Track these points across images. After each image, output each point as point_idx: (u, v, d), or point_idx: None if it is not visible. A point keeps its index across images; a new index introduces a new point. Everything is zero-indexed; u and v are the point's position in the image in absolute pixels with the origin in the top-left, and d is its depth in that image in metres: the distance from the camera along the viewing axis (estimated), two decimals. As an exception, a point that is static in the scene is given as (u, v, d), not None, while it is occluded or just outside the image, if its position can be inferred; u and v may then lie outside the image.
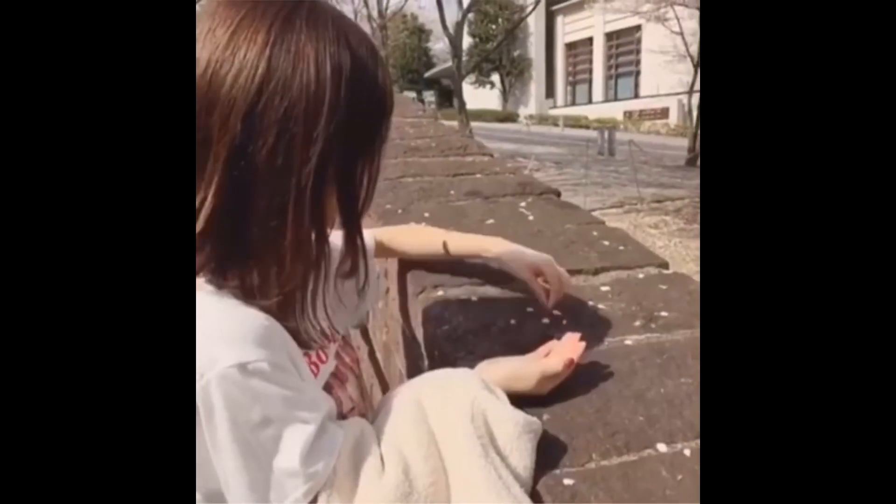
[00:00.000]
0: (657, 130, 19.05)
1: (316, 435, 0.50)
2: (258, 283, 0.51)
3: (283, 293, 0.52)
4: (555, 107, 24.88)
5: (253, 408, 0.48)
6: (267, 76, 0.48)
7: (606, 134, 13.87)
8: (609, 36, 22.81)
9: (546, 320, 0.81)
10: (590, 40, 23.72)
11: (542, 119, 22.12)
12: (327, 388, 0.60)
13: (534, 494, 0.54)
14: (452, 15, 12.92)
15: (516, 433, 0.55)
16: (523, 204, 1.28)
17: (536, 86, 25.27)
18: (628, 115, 21.01)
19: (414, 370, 0.89)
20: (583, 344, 0.66)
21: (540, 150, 12.57)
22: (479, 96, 24.40)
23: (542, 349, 0.67)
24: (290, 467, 0.49)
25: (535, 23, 23.38)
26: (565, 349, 0.65)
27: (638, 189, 9.01)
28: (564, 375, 0.65)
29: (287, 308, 0.53)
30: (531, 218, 1.20)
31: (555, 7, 23.93)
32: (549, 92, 25.63)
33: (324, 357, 0.61)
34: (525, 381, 0.63)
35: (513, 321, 0.80)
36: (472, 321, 0.80)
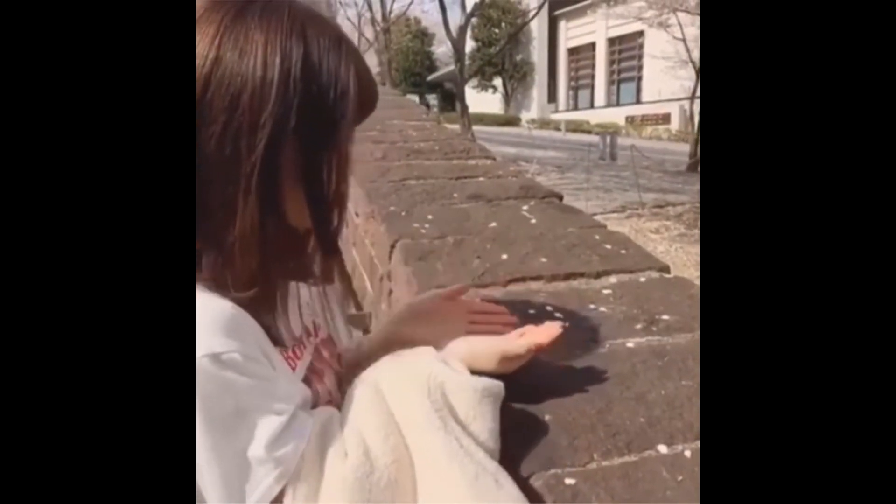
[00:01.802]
0: (659, 136, 19.07)
1: (286, 424, 0.50)
2: (230, 276, 0.52)
3: (254, 287, 0.52)
4: (557, 111, 24.91)
5: (225, 398, 0.48)
6: (215, 65, 0.50)
7: (608, 139, 13.88)
8: (611, 41, 22.85)
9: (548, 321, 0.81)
10: (592, 45, 23.77)
11: (544, 123, 22.16)
12: (306, 381, 0.60)
13: (533, 494, 0.55)
14: (456, 19, 12.96)
15: (476, 399, 0.56)
16: (526, 207, 1.29)
17: (538, 90, 25.31)
18: (630, 120, 21.04)
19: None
20: (556, 331, 0.64)
21: (541, 155, 12.60)
22: (481, 100, 24.43)
23: (518, 330, 0.66)
24: (259, 455, 0.49)
25: (537, 27, 23.42)
26: (537, 333, 0.64)
27: (639, 194, 9.02)
28: (527, 358, 0.64)
29: (260, 303, 0.54)
30: (533, 221, 1.21)
31: (558, 12, 23.98)
32: (552, 96, 25.67)
33: (299, 353, 0.61)
34: (485, 360, 0.62)
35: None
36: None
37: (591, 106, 24.02)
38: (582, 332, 0.79)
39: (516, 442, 0.60)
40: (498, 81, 25.54)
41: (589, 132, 18.58)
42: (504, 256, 1.01)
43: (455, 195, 1.37)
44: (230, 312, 0.51)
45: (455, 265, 0.98)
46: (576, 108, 25.01)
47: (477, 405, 0.56)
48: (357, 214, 1.47)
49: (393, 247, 1.09)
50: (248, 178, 0.50)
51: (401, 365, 0.60)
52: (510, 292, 0.91)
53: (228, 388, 0.48)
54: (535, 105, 25.26)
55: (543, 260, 1.00)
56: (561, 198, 1.37)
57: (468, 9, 12.33)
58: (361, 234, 1.40)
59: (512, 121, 23.52)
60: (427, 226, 1.16)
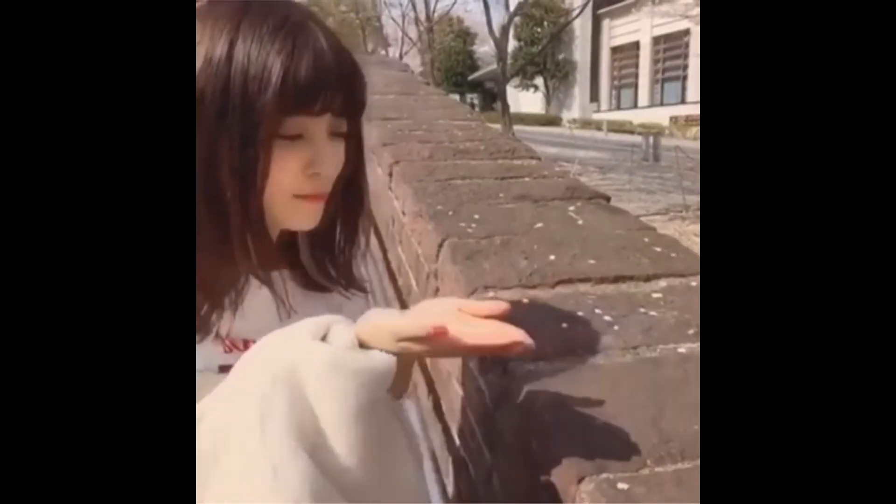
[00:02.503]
0: (704, 136, 18.55)
1: None
2: None
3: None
4: (599, 111, 24.57)
5: None
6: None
7: (651, 139, 13.61)
8: (656, 40, 22.39)
9: (597, 326, 0.81)
10: (636, 44, 23.35)
11: (586, 123, 21.88)
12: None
13: (585, 497, 0.55)
14: (499, 18, 12.91)
15: (322, 372, 0.47)
16: (572, 208, 1.28)
17: (580, 89, 25.00)
18: (674, 120, 20.58)
19: (466, 370, 0.90)
20: (506, 338, 0.52)
21: (583, 155, 12.44)
22: (522, 99, 24.29)
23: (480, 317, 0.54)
24: None
25: (581, 26, 23.15)
26: (481, 330, 0.52)
27: (683, 196, 8.82)
28: (433, 344, 0.51)
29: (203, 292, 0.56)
30: (580, 222, 1.20)
31: (601, 10, 23.64)
32: (594, 96, 25.32)
33: (240, 346, 0.59)
34: (380, 338, 0.51)
35: (564, 325, 0.81)
36: (524, 323, 0.80)
37: (635, 106, 23.61)
38: (632, 336, 0.78)
39: (567, 445, 0.59)
40: (539, 80, 25.34)
41: (631, 132, 18.26)
42: (551, 257, 1.00)
43: (501, 195, 1.37)
44: None
45: (502, 265, 0.98)
46: (618, 107, 24.62)
47: (324, 379, 0.47)
48: (404, 213, 1.49)
49: (440, 245, 1.10)
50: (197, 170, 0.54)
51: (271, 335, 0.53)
52: (558, 294, 0.90)
53: None
54: (576, 104, 24.97)
55: (591, 262, 0.99)
56: (608, 199, 1.36)
57: (511, 8, 12.27)
58: (408, 232, 1.42)
59: (553, 120, 23.31)
60: (474, 225, 1.16)
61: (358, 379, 0.48)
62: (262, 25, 0.55)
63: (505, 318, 0.54)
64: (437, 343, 0.51)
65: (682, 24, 17.36)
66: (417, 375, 1.25)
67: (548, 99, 25.43)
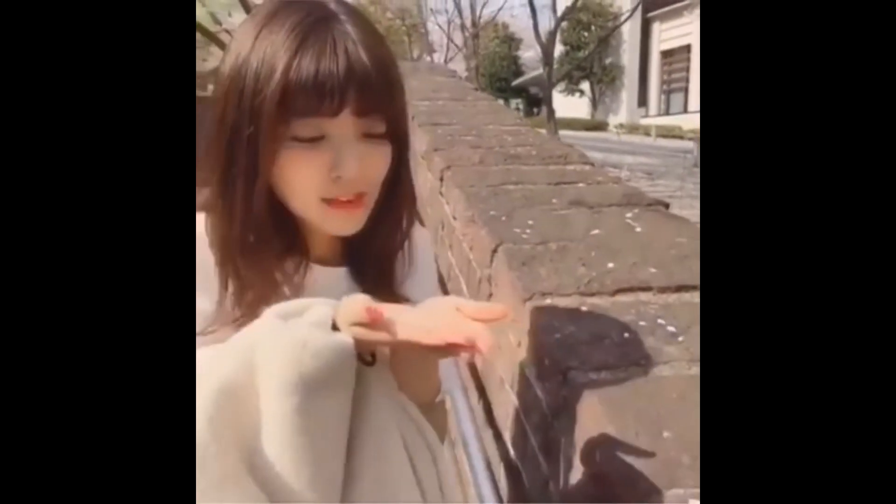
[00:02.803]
0: (758, 142, 17.94)
1: None
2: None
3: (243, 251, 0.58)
4: (647, 115, 24.11)
5: None
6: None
7: (703, 145, 13.22)
8: (709, 43, 21.77)
9: (661, 336, 0.79)
10: (687, 47, 22.80)
11: (633, 128, 21.49)
12: None
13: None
14: (545, 23, 12.84)
15: (269, 341, 0.47)
16: (629, 215, 1.25)
17: (628, 94, 24.59)
18: (727, 125, 19.93)
19: (521, 377, 0.89)
20: (448, 328, 0.47)
21: (630, 161, 12.21)
22: (568, 104, 24.06)
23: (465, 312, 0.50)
24: None
25: (629, 30, 22.78)
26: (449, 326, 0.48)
27: (736, 203, 8.52)
28: (375, 332, 0.49)
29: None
30: (639, 230, 1.17)
31: (651, 14, 23.21)
32: (642, 100, 24.86)
33: None
34: (341, 322, 0.50)
35: (626, 334, 0.79)
36: (584, 331, 0.79)
37: (685, 110, 23.04)
38: (698, 348, 0.76)
39: (632, 458, 0.58)
40: (585, 85, 25.04)
41: (681, 137, 17.84)
42: (610, 265, 0.98)
43: (554, 201, 1.35)
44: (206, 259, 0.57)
45: (559, 271, 0.96)
46: (667, 112, 24.08)
47: (269, 349, 0.47)
48: (455, 217, 1.49)
49: (494, 251, 1.10)
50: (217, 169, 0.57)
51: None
52: (617, 302, 0.89)
53: None
54: (623, 109, 24.56)
55: (652, 270, 0.96)
56: (667, 206, 1.33)
57: (559, 13, 12.18)
58: (459, 237, 1.42)
59: (599, 125, 22.98)
60: (528, 231, 1.15)
61: (303, 351, 0.46)
62: (284, 23, 0.54)
63: (504, 321, 0.50)
64: (382, 329, 0.48)
65: (735, 27, 16.82)
66: (467, 380, 1.24)
67: (594, 104, 25.09)
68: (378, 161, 0.58)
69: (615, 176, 1.56)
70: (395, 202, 0.63)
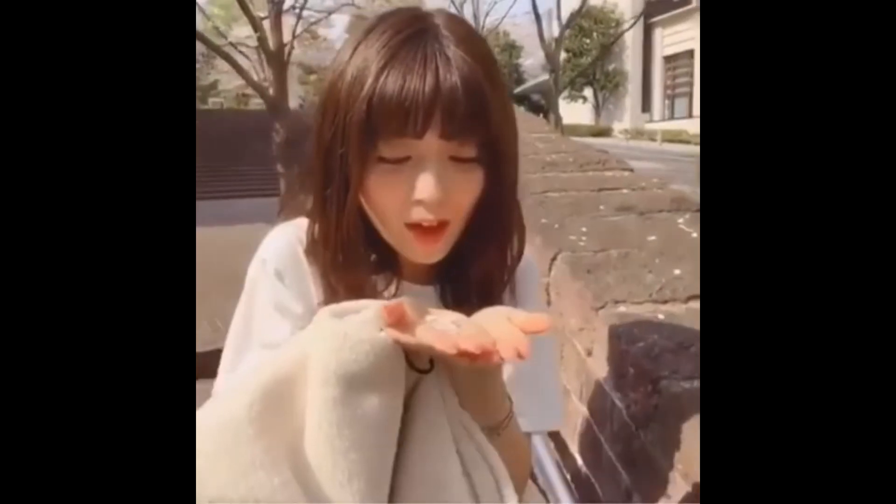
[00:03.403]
0: (764, 145, 17.92)
1: (237, 353, 0.59)
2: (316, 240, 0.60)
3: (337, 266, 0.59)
4: (651, 121, 24.13)
5: (251, 292, 0.60)
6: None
7: (709, 149, 13.21)
8: (711, 47, 21.82)
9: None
10: (690, 52, 22.86)
11: (638, 133, 21.53)
12: None
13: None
14: (549, 30, 12.89)
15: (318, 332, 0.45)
16: (681, 220, 1.25)
17: (632, 100, 24.64)
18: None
19: (595, 386, 0.88)
20: (468, 337, 0.43)
21: (637, 166, 12.20)
22: (570, 111, 24.11)
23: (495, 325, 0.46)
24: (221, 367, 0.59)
25: (632, 36, 22.85)
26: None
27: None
28: (403, 334, 0.44)
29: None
30: (694, 235, 1.16)
31: (653, 19, 23.29)
32: (646, 106, 24.91)
33: None
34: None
35: (711, 341, 0.78)
36: (668, 340, 0.78)
37: (689, 115, 23.06)
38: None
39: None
40: (588, 92, 25.11)
41: (688, 142, 17.84)
42: (676, 272, 0.97)
43: (601, 207, 1.35)
44: (294, 251, 0.59)
45: (627, 279, 0.95)
46: (672, 117, 24.11)
47: (317, 339, 0.45)
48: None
49: (553, 259, 1.09)
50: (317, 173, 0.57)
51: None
52: (691, 309, 0.88)
53: (254, 287, 0.60)
54: (627, 115, 24.60)
55: (720, 276, 0.95)
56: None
57: (563, 20, 12.23)
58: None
59: (604, 131, 23.03)
60: (584, 238, 1.14)
61: (343, 343, 0.44)
62: (379, 37, 0.52)
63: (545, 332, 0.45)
64: (408, 331, 0.44)
65: (738, 31, 16.85)
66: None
67: (597, 110, 25.14)
68: (464, 186, 0.54)
69: (660, 181, 1.56)
70: (492, 229, 0.58)
